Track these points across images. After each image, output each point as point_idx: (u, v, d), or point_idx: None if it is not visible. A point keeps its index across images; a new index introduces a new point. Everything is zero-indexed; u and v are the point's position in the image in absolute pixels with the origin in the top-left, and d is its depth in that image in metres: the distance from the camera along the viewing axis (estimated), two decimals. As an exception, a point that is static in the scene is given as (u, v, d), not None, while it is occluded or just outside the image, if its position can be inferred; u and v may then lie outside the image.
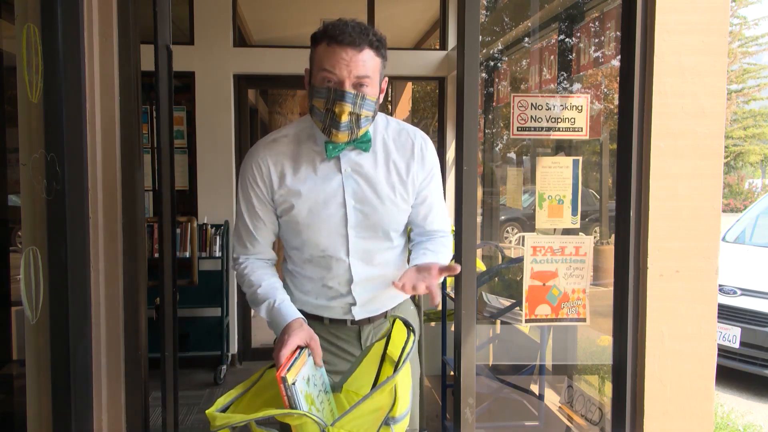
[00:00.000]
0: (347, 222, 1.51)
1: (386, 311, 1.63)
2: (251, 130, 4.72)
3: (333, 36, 1.38)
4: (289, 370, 1.25)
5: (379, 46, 1.42)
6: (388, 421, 1.27)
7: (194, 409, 3.66)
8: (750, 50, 20.76)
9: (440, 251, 1.61)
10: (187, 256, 4.05)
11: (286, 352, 1.31)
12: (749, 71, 20.83)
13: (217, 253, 4.22)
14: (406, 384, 1.34)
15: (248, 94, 4.66)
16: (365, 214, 1.52)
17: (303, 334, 1.38)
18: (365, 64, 1.39)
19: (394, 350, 1.38)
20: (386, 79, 1.52)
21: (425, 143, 1.58)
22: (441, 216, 1.66)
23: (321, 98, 1.41)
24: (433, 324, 3.92)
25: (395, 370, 1.28)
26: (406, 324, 1.41)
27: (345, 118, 1.40)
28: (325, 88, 1.40)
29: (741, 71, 20.56)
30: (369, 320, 1.62)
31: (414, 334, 1.38)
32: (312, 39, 1.45)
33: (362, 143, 1.49)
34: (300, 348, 1.36)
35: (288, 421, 1.26)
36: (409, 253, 1.68)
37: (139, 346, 1.84)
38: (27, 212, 1.66)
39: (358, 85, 1.39)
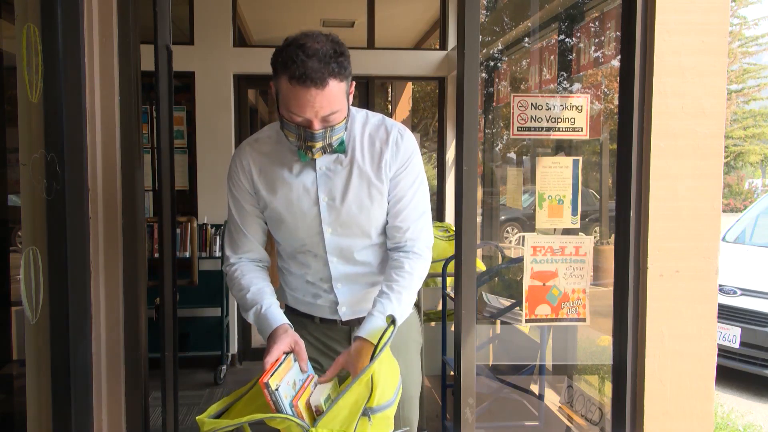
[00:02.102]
0: (321, 219, 1.52)
1: None
2: (251, 130, 4.72)
3: (294, 76, 1.30)
4: (272, 375, 1.26)
5: (341, 70, 1.34)
6: (366, 412, 1.27)
7: (194, 409, 3.66)
8: (750, 50, 20.76)
9: (404, 290, 1.48)
10: (187, 256, 4.05)
11: (270, 359, 1.33)
12: (749, 71, 20.82)
13: (217, 253, 4.22)
14: (385, 373, 1.33)
15: (248, 94, 4.66)
16: (338, 210, 1.52)
17: (288, 339, 1.39)
18: (330, 99, 1.34)
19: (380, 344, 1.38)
20: (353, 83, 1.47)
21: (401, 135, 1.53)
22: (418, 224, 1.55)
23: (292, 132, 1.41)
24: (433, 324, 3.92)
25: (371, 359, 1.28)
26: (392, 319, 1.40)
27: (318, 147, 1.41)
28: (295, 125, 1.38)
29: (741, 71, 20.55)
30: (359, 321, 1.60)
31: (394, 326, 1.34)
32: (272, 65, 1.37)
33: (337, 146, 1.49)
34: (286, 353, 1.37)
35: (274, 425, 1.27)
36: None
37: (139, 346, 1.84)
38: (27, 212, 1.66)
39: (326, 118, 1.37)
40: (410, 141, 1.54)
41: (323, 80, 1.30)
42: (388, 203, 1.55)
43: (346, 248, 1.56)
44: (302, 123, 1.37)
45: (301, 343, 1.41)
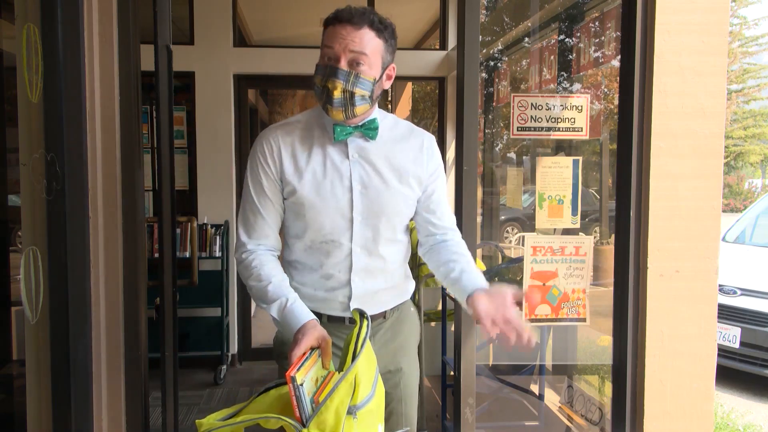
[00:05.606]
0: (353, 206, 1.52)
1: (385, 311, 1.63)
2: (251, 130, 4.72)
3: (336, 16, 1.44)
4: (299, 370, 1.26)
5: (382, 29, 1.45)
6: (350, 410, 1.27)
7: (194, 409, 3.66)
8: (750, 50, 20.77)
9: (467, 254, 1.65)
10: (187, 256, 4.05)
11: (298, 352, 1.32)
12: (749, 71, 20.84)
13: (217, 253, 4.22)
14: (366, 369, 1.34)
15: (248, 94, 4.66)
16: (371, 199, 1.53)
17: (317, 334, 1.39)
18: (362, 40, 1.43)
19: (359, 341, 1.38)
20: (394, 66, 1.54)
21: (432, 143, 1.64)
22: (449, 212, 1.71)
23: (319, 74, 1.47)
24: (433, 324, 3.92)
25: (353, 359, 1.28)
26: (360, 313, 1.41)
27: (338, 95, 1.43)
28: (323, 65, 1.46)
29: (741, 71, 20.57)
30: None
31: (367, 320, 1.37)
32: (323, 25, 1.51)
33: (370, 130, 1.53)
34: (312, 348, 1.37)
35: (269, 426, 1.27)
36: (420, 262, 1.68)
37: (139, 346, 1.85)
38: (27, 212, 1.66)
39: (354, 62, 1.43)
40: (437, 148, 1.66)
41: (360, 22, 1.42)
42: (421, 202, 1.63)
43: (371, 239, 1.56)
44: (330, 60, 1.44)
45: (329, 339, 1.40)
